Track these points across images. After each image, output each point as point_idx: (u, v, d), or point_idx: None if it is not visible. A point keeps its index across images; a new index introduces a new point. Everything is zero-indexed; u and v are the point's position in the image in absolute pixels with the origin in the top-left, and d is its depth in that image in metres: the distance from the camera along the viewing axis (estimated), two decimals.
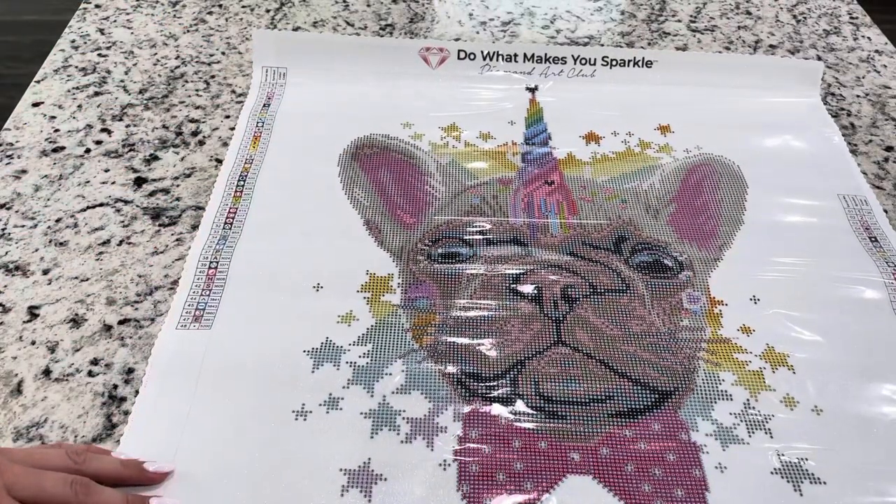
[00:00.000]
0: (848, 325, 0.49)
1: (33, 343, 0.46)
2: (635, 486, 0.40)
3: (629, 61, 0.67)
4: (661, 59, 0.67)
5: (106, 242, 0.52)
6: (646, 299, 0.49)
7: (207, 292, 0.49)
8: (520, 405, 0.44)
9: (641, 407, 0.44)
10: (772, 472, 0.41)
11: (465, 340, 0.47)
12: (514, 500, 0.39)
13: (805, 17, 0.81)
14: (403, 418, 0.43)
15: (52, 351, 0.45)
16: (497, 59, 0.67)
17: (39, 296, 0.48)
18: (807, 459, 0.41)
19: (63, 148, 0.59)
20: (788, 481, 0.41)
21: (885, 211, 0.58)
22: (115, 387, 0.44)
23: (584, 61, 0.67)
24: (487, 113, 0.64)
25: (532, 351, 0.46)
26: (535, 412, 0.43)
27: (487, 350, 0.46)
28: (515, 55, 0.67)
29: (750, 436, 0.42)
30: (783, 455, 0.42)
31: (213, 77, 0.68)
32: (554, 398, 0.44)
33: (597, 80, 0.67)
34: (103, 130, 0.61)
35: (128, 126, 0.62)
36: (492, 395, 0.44)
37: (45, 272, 0.50)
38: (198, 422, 0.42)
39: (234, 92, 0.66)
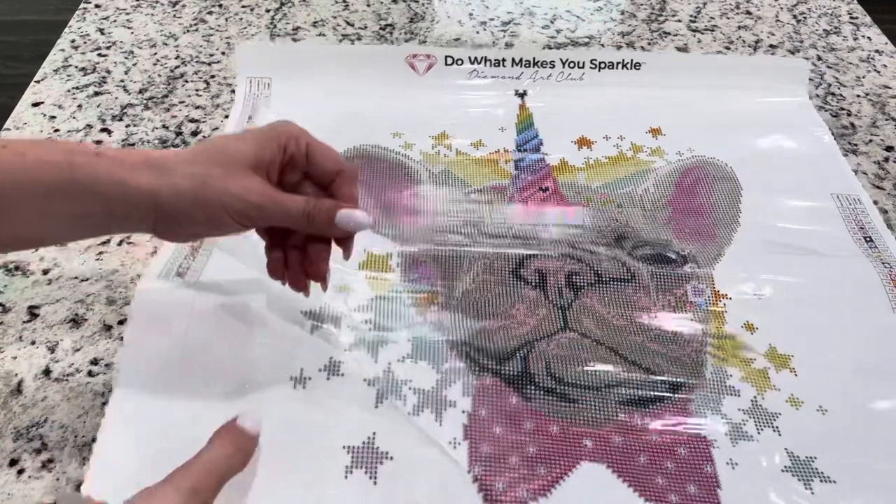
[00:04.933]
0: (848, 326, 0.49)
1: (33, 343, 0.46)
2: (649, 479, 0.40)
3: (617, 63, 0.67)
4: (649, 60, 0.67)
5: (106, 242, 0.52)
6: (651, 290, 0.49)
7: (192, 257, 0.47)
8: (530, 385, 0.43)
9: (653, 396, 0.43)
10: (782, 470, 0.41)
11: (470, 319, 0.46)
12: (528, 486, 0.38)
13: (805, 17, 0.81)
14: (410, 388, 0.41)
15: (52, 351, 0.45)
16: (485, 65, 0.66)
17: (39, 296, 0.48)
18: (816, 458, 0.41)
19: None
20: (800, 479, 0.40)
21: (885, 211, 0.58)
22: None
23: (572, 65, 0.67)
24: (477, 120, 0.64)
25: (540, 334, 0.45)
26: (546, 393, 0.42)
27: (494, 330, 0.45)
28: (503, 60, 0.66)
29: (759, 433, 0.42)
30: (792, 453, 0.42)
31: (213, 77, 0.68)
32: (565, 380, 0.43)
33: (585, 83, 0.67)
34: (103, 130, 0.61)
35: (128, 126, 0.62)
36: (502, 371, 0.43)
37: (45, 272, 0.50)
38: (189, 389, 0.40)
39: (233, 92, 0.66)
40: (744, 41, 0.76)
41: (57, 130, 0.61)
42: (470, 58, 0.66)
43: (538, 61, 0.66)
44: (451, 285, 0.48)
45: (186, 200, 0.36)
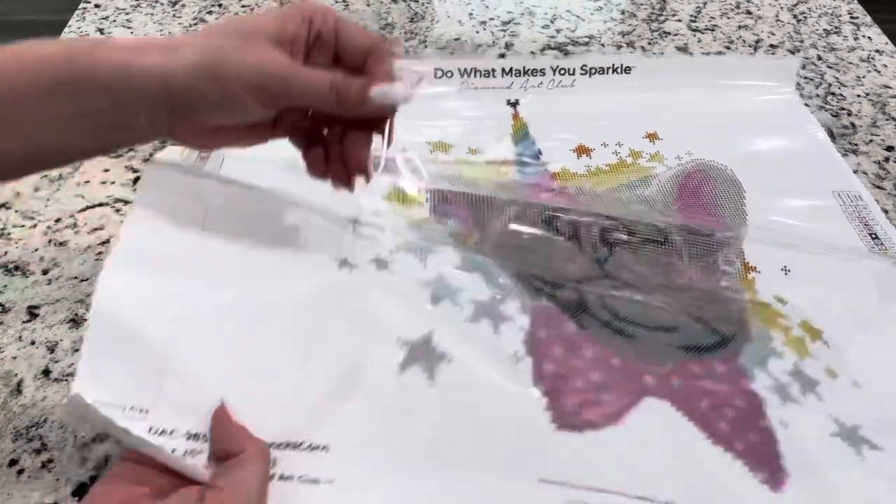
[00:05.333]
0: (869, 313, 0.48)
1: (33, 343, 0.46)
2: (714, 423, 0.39)
3: (608, 69, 0.66)
4: (639, 64, 0.67)
5: (106, 242, 0.52)
6: (683, 255, 0.49)
7: (205, 157, 0.43)
8: (586, 314, 0.41)
9: (705, 345, 0.43)
10: (832, 435, 0.41)
11: (509, 260, 0.44)
12: (597, 411, 0.37)
13: (805, 17, 0.81)
14: (466, 297, 0.39)
15: (51, 351, 0.45)
16: (475, 76, 0.65)
17: (39, 296, 0.48)
18: (860, 427, 0.41)
19: None
20: (850, 445, 0.40)
21: (886, 210, 0.58)
22: None
23: (563, 72, 0.66)
24: (472, 130, 0.62)
25: (583, 276, 0.44)
26: (603, 325, 0.41)
27: (537, 268, 0.44)
28: (493, 70, 0.65)
29: (803, 396, 0.42)
30: (837, 419, 0.42)
31: None
32: (620, 315, 0.42)
33: (576, 90, 0.66)
34: None
35: None
36: (557, 296, 0.41)
37: (45, 272, 0.50)
38: (206, 260, 0.35)
39: None
40: (744, 41, 0.76)
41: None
42: (459, 69, 0.65)
43: (528, 70, 0.66)
44: (484, 227, 0.46)
45: (199, 77, 0.32)
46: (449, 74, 0.65)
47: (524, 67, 0.66)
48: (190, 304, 0.33)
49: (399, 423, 0.34)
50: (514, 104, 0.65)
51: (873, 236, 0.55)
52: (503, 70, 0.66)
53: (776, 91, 0.68)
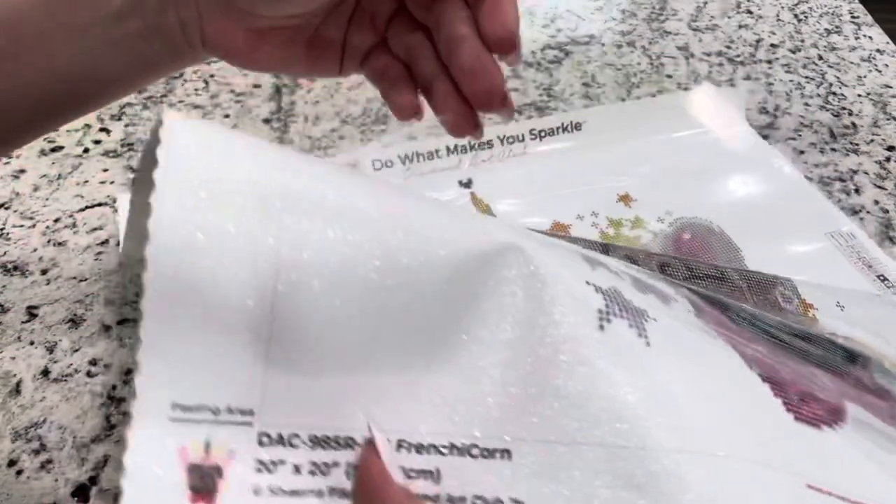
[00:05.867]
0: None
1: (32, 343, 0.46)
2: None
3: (557, 128, 0.62)
4: (588, 118, 0.62)
5: (105, 242, 0.52)
6: (745, 291, 0.45)
7: None
8: (728, 311, 0.35)
9: (841, 358, 0.38)
10: None
11: None
12: (823, 407, 0.30)
13: (806, 17, 0.81)
14: (618, 268, 0.30)
15: (50, 351, 0.45)
16: (417, 160, 0.59)
17: (38, 296, 0.48)
18: None
19: (62, 147, 0.59)
20: None
21: (886, 210, 0.57)
22: (114, 387, 0.43)
23: (511, 140, 0.61)
24: None
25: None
26: (751, 325, 0.35)
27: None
28: (437, 151, 0.59)
29: None
30: None
31: (212, 76, 0.67)
32: (759, 317, 0.37)
33: (529, 155, 0.61)
34: (102, 130, 0.61)
35: (127, 125, 0.62)
36: (693, 289, 0.35)
37: (44, 272, 0.50)
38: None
39: (233, 91, 0.66)
40: (744, 40, 0.76)
41: (56, 130, 0.61)
42: (400, 156, 0.59)
43: (474, 144, 0.60)
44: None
45: None
46: (389, 164, 0.58)
47: (469, 143, 0.59)
48: (297, 239, 0.22)
49: (610, 400, 0.23)
50: (467, 184, 0.59)
51: (882, 278, 0.51)
52: (447, 148, 0.59)
53: (729, 126, 0.64)
